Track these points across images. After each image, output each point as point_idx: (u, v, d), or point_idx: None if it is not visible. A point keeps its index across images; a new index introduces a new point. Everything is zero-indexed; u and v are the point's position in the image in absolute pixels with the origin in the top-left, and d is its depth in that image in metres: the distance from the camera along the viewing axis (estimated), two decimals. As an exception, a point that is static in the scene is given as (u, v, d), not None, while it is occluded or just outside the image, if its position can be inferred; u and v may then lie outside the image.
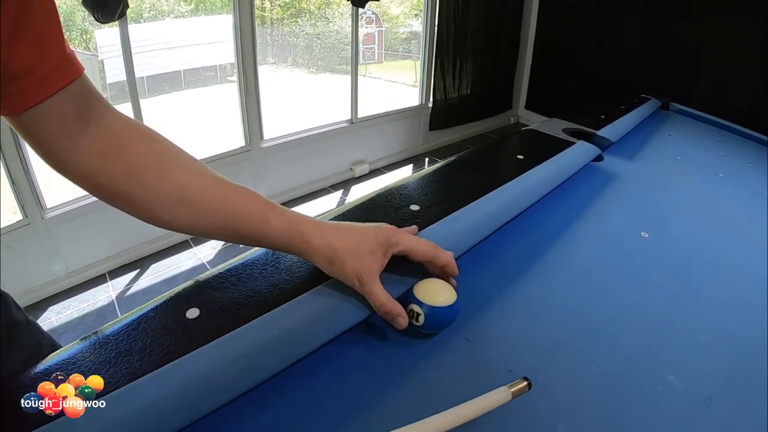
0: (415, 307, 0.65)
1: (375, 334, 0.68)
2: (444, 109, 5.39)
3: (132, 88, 3.30)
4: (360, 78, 4.59)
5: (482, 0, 5.29)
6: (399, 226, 0.71)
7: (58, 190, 3.06)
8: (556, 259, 0.89)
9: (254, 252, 0.74)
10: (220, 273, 0.70)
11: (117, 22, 3.07)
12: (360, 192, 4.42)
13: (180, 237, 3.59)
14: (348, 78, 4.65)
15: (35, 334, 0.75)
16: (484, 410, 0.52)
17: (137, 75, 3.36)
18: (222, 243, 3.46)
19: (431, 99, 5.33)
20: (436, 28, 5.09)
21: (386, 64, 6.62)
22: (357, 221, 0.70)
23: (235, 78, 3.92)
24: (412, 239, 0.67)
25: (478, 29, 5.34)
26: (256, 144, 4.02)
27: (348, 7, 4.44)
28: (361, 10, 4.38)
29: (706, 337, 0.72)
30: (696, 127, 2.21)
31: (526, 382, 0.55)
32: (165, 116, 4.47)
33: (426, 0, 5.06)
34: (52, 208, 3.05)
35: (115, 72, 3.55)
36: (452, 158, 1.18)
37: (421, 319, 0.65)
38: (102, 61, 3.72)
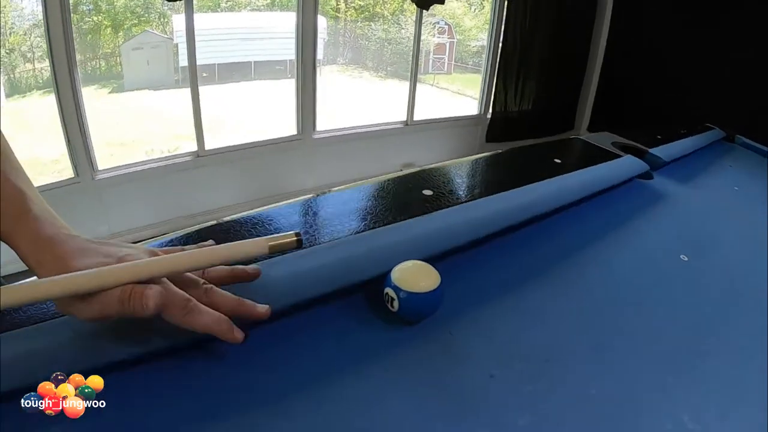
0: (390, 291, 0.57)
1: (355, 311, 0.61)
2: (502, 122, 5.23)
3: (192, 73, 3.34)
4: (427, 87, 4.50)
5: (552, 18, 5.10)
6: (405, 210, 0.69)
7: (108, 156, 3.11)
8: (582, 268, 0.80)
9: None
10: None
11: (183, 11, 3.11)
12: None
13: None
14: (417, 86, 4.58)
15: None
16: (236, 255, 0.49)
17: (210, 62, 3.39)
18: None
19: (490, 110, 5.19)
20: (501, 38, 4.94)
21: (455, 76, 6.51)
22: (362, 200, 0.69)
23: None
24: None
25: (544, 46, 5.15)
26: (307, 134, 4.01)
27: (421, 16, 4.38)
28: (433, 19, 4.30)
29: (731, 375, 0.59)
30: (761, 162, 2.04)
31: (295, 238, 0.49)
32: (229, 103, 4.50)
33: (493, 9, 4.93)
34: (103, 170, 3.14)
35: (186, 57, 3.58)
36: (487, 153, 1.10)
37: (396, 304, 0.57)
38: (177, 45, 3.75)
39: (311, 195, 0.81)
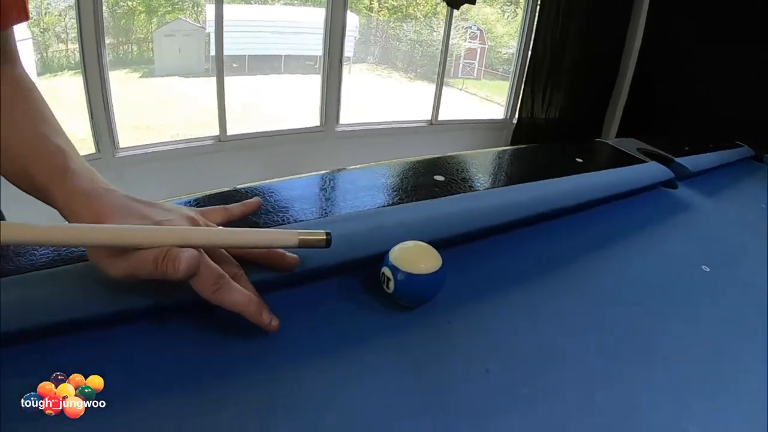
0: (386, 271, 0.53)
1: (350, 292, 0.57)
2: (528, 128, 5.14)
3: (219, 63, 3.34)
4: (456, 91, 4.46)
5: (583, 28, 4.99)
6: (414, 194, 0.66)
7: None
8: (597, 270, 0.75)
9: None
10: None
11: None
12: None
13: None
14: (446, 89, 4.54)
15: None
16: (266, 243, 0.49)
17: (241, 53, 3.39)
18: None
19: (516, 116, 5.12)
20: (531, 46, 4.87)
21: (484, 82, 6.46)
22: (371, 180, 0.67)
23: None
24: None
25: (574, 55, 5.05)
26: (330, 126, 3.98)
27: (453, 19, 4.33)
28: (465, 24, 4.24)
29: (747, 391, 0.54)
30: (792, 183, 1.97)
31: (324, 237, 0.49)
32: (257, 94, 4.50)
33: (524, 17, 4.87)
34: (125, 148, 3.16)
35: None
36: (507, 147, 1.06)
37: (392, 285, 0.53)
38: (209, 34, 3.75)
39: (324, 171, 0.80)
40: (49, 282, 0.46)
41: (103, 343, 0.45)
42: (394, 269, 0.52)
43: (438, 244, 0.56)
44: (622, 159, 1.19)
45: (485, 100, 6.22)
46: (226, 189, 0.68)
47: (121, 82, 3.36)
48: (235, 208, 0.56)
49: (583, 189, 0.88)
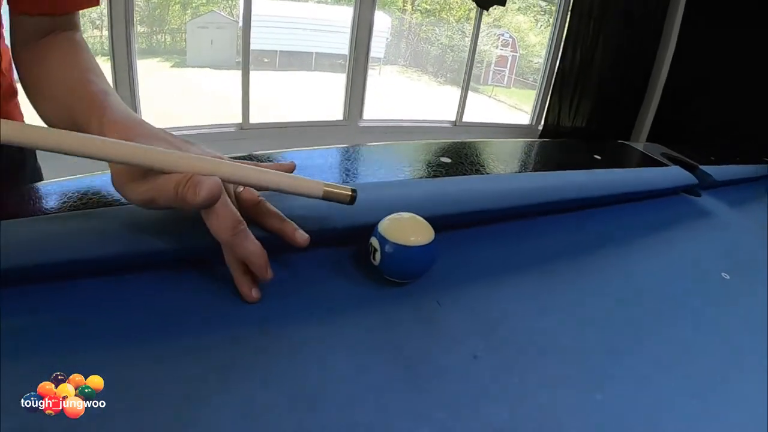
0: (374, 242, 0.49)
1: (336, 263, 0.54)
2: (553, 135, 5.01)
3: (245, 58, 3.35)
4: (484, 98, 4.41)
5: (615, 39, 4.88)
6: (417, 173, 0.60)
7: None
8: (607, 267, 0.68)
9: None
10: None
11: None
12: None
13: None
14: (474, 96, 4.50)
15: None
16: (291, 187, 0.46)
17: (272, 48, 3.40)
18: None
19: (542, 122, 5.04)
20: (560, 54, 4.79)
21: (514, 90, 6.39)
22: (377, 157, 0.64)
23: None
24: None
25: (604, 66, 4.95)
26: (353, 120, 3.96)
27: (485, 26, 4.29)
28: (498, 31, 4.20)
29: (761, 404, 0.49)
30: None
31: (350, 194, 0.48)
32: (285, 88, 4.51)
33: (554, 25, 4.79)
34: None
35: (252, 40, 3.59)
36: (522, 139, 1.02)
37: (378, 257, 0.49)
38: (241, 27, 3.76)
39: (335, 146, 0.77)
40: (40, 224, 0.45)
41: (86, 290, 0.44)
42: (382, 240, 0.48)
43: (436, 225, 0.51)
44: (644, 161, 1.14)
45: (514, 108, 6.17)
46: (241, 155, 0.66)
47: (152, 71, 3.38)
48: (270, 167, 0.54)
49: (597, 183, 0.84)
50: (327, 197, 0.47)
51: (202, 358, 0.39)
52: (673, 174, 1.12)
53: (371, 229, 0.50)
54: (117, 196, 0.47)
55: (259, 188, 0.47)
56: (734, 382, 0.48)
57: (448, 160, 0.73)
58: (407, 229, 0.49)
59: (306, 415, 0.36)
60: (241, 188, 0.49)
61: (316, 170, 0.69)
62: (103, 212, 0.48)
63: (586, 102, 4.99)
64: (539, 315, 0.52)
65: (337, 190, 0.47)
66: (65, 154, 0.39)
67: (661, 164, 1.15)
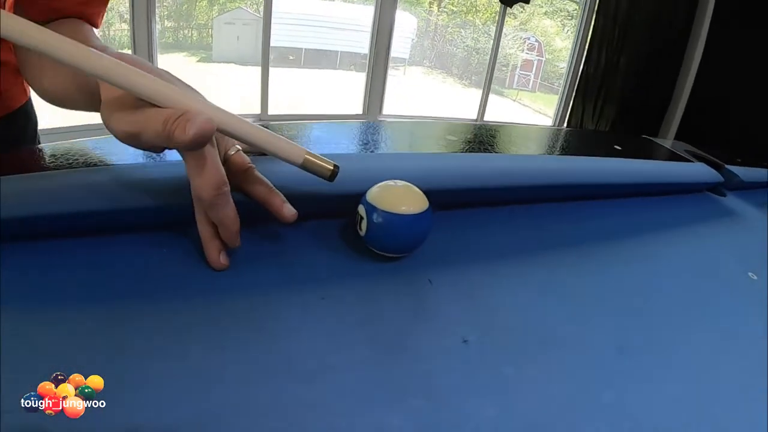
0: (361, 209, 0.44)
1: (324, 234, 0.49)
2: (576, 138, 4.95)
3: (265, 54, 3.33)
4: (509, 102, 4.35)
5: (641, 40, 4.76)
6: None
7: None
8: (622, 258, 0.62)
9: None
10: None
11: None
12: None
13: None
14: (499, 99, 4.44)
15: None
16: (273, 147, 0.42)
17: (297, 45, 3.40)
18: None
19: (564, 125, 4.94)
20: (584, 58, 4.69)
21: (539, 95, 6.30)
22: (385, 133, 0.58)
23: (389, 71, 3.85)
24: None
25: (630, 67, 4.82)
26: (372, 115, 3.95)
27: (511, 29, 4.22)
28: (524, 34, 4.13)
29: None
30: None
31: (331, 168, 0.43)
32: (309, 86, 4.49)
33: (578, 29, 4.70)
34: None
35: (278, 37, 3.58)
36: (534, 124, 0.96)
37: (364, 227, 0.43)
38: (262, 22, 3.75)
39: (344, 120, 0.72)
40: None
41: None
42: (370, 208, 0.43)
43: (435, 202, 0.46)
44: (668, 156, 1.07)
45: (538, 113, 6.07)
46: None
47: (178, 66, 3.38)
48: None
49: (615, 170, 0.78)
50: (306, 166, 0.42)
51: (163, 323, 0.36)
52: (698, 170, 1.05)
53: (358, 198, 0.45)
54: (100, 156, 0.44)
55: (243, 140, 0.42)
56: (761, 387, 0.41)
57: (454, 138, 0.67)
58: (398, 197, 0.44)
59: (258, 388, 0.31)
60: (232, 151, 0.45)
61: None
62: (70, 172, 0.44)
63: (610, 106, 4.87)
64: (542, 304, 0.46)
65: (319, 162, 0.43)
66: (61, 62, 0.35)
67: (684, 160, 1.08)
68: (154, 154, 0.50)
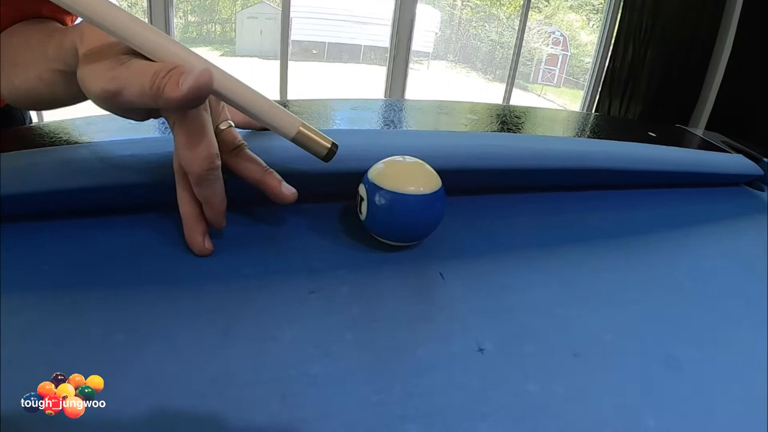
0: (361, 189, 0.37)
1: (324, 218, 0.42)
2: (602, 130, 4.81)
3: (283, 48, 3.32)
4: (533, 97, 4.27)
5: (669, 30, 4.59)
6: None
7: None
8: (656, 254, 0.54)
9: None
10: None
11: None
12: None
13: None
14: (523, 94, 4.34)
15: None
16: (269, 117, 0.35)
17: (320, 39, 3.37)
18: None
19: (591, 114, 4.80)
20: (610, 52, 4.55)
21: (564, 90, 6.17)
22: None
23: (412, 65, 3.77)
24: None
25: (657, 60, 4.66)
26: None
27: (536, 23, 4.12)
28: (549, 29, 4.03)
29: None
30: None
31: (329, 146, 0.36)
32: (330, 81, 4.45)
33: (603, 22, 4.56)
34: None
35: (300, 32, 3.55)
36: (562, 109, 0.88)
37: (364, 210, 0.36)
38: (291, 18, 3.71)
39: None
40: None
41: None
42: (372, 187, 0.36)
43: (451, 185, 0.39)
44: (704, 146, 0.99)
45: (563, 108, 5.96)
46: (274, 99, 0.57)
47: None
48: None
49: (653, 157, 0.70)
50: (299, 141, 0.36)
51: (143, 309, 0.31)
52: (736, 162, 0.97)
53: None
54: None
55: (235, 103, 0.35)
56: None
57: (475, 117, 0.59)
58: (406, 174, 0.37)
59: (217, 404, 0.25)
60: (224, 125, 0.38)
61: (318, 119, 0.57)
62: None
63: (637, 101, 4.72)
64: (572, 306, 0.38)
65: (315, 137, 0.36)
66: None
67: (719, 149, 1.00)
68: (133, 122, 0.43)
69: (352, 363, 0.29)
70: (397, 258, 0.38)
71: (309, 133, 0.36)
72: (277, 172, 0.39)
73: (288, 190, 0.38)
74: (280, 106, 0.36)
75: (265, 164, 0.38)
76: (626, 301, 0.40)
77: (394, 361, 0.29)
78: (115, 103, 0.32)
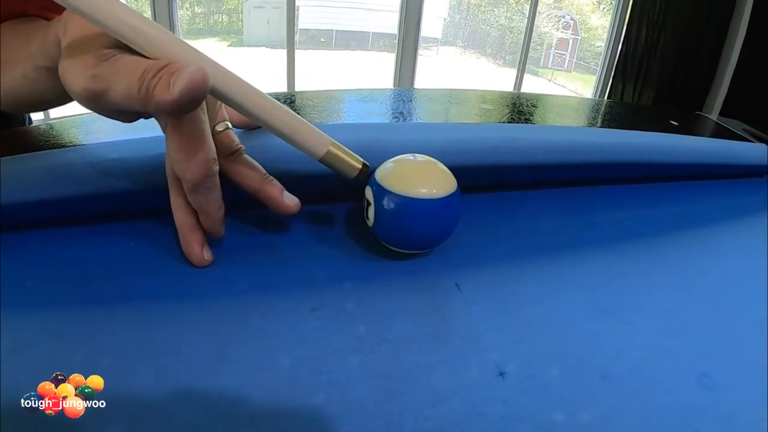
0: (368, 192, 0.34)
1: (331, 222, 0.40)
2: (615, 114, 4.74)
3: (290, 37, 3.28)
4: (544, 82, 4.22)
5: (683, 12, 4.47)
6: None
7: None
8: (685, 254, 0.50)
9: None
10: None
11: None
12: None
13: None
14: (533, 79, 4.28)
15: None
16: (296, 133, 0.32)
17: (328, 27, 3.36)
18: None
19: (604, 101, 4.72)
20: (623, 37, 4.46)
21: (575, 75, 6.10)
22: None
23: (421, 51, 3.74)
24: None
25: (671, 44, 4.56)
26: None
27: (546, 7, 4.05)
28: (559, 12, 3.96)
29: None
30: None
31: (360, 166, 0.33)
32: (338, 68, 4.42)
33: (616, 7, 4.48)
34: None
35: (307, 20, 3.52)
36: (581, 96, 0.85)
37: (371, 215, 0.33)
38: (298, 7, 3.69)
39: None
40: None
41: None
42: (380, 190, 0.32)
43: (464, 183, 0.35)
44: (724, 135, 0.95)
45: (574, 93, 5.89)
46: (281, 91, 0.54)
47: (209, 51, 3.35)
48: None
49: (673, 148, 0.66)
50: (327, 161, 0.33)
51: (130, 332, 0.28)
52: (760, 151, 0.92)
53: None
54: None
55: (247, 113, 0.32)
56: None
57: (489, 107, 0.56)
58: (417, 175, 0.33)
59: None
60: (220, 127, 0.35)
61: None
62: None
63: (650, 85, 4.63)
64: (601, 321, 0.34)
65: (345, 157, 0.33)
66: None
67: (742, 137, 0.96)
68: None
69: (358, 392, 0.26)
70: (408, 267, 0.35)
71: (337, 152, 0.33)
72: (276, 170, 0.36)
73: (290, 200, 0.35)
74: (309, 125, 0.33)
75: (264, 171, 0.35)
76: (656, 311, 0.36)
77: (405, 389, 0.26)
78: (99, 105, 0.28)
